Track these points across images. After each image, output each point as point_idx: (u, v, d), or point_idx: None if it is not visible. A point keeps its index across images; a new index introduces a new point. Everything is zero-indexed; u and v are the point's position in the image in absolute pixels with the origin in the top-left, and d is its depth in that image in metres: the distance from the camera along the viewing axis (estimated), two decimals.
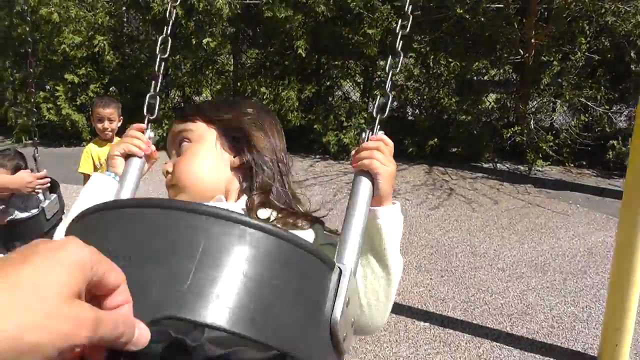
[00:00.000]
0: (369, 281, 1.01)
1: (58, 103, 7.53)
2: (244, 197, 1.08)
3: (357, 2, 7.06)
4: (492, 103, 7.76)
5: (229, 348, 0.78)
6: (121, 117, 3.68)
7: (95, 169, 3.58)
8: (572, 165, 7.36)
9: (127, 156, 1.11)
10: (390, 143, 1.03)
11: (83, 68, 7.61)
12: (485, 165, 7.43)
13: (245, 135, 1.11)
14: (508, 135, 7.09)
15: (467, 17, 7.11)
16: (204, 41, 7.17)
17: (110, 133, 3.64)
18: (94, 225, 0.63)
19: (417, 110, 7.95)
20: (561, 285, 4.18)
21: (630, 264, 2.95)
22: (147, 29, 7.73)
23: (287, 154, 1.18)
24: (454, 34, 7.53)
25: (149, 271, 0.56)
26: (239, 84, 7.70)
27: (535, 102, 7.51)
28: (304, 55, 7.17)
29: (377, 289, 1.01)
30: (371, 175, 0.96)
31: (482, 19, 7.18)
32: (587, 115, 7.26)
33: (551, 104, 7.55)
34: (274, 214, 1.06)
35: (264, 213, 1.05)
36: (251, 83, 7.43)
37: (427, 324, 3.56)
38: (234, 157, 1.11)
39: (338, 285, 0.66)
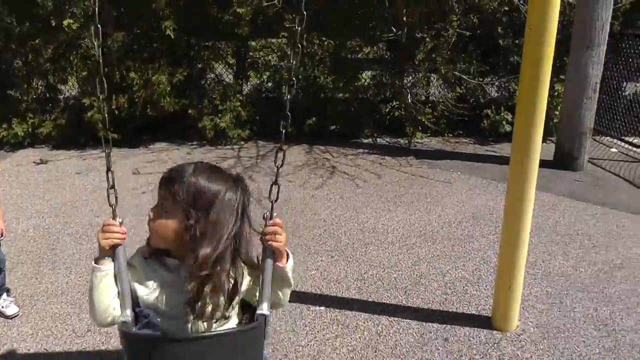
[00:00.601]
0: (285, 297, 1.73)
1: None
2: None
3: None
4: (369, 80, 7.76)
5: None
6: None
7: None
8: (450, 135, 7.53)
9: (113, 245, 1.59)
10: (280, 222, 1.65)
11: None
12: (366, 141, 7.42)
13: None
14: (386, 110, 7.11)
15: None
16: (65, 22, 6.48)
17: None
18: None
19: (293, 91, 7.77)
20: (450, 252, 4.19)
21: (519, 225, 2.95)
22: None
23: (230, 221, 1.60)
24: (326, 12, 7.40)
25: None
26: (106, 69, 7.11)
27: (411, 77, 7.59)
28: (172, 36, 6.73)
29: (287, 296, 1.75)
30: (273, 248, 1.64)
31: None
32: (461, 87, 7.45)
33: (426, 78, 7.65)
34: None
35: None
36: (119, 68, 6.86)
37: (322, 307, 3.40)
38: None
39: (265, 328, 1.63)
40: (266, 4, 6.93)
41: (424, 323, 3.22)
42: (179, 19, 6.84)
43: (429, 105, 7.52)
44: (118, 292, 1.59)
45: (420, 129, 7.26)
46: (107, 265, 1.58)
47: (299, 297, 3.49)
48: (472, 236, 4.48)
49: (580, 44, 6.03)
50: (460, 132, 7.64)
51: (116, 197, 1.59)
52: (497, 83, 7.85)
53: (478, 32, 7.35)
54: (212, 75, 7.60)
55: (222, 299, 1.56)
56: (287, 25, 7.21)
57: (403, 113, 7.21)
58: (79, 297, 3.52)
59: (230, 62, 7.55)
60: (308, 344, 3.02)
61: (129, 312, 1.58)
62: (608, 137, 7.61)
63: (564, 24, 6.97)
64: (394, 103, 7.17)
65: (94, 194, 5.41)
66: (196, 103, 7.09)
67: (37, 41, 6.87)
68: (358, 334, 3.12)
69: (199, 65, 7.33)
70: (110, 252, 1.58)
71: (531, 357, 2.93)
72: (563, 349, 3.00)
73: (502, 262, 3.11)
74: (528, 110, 2.77)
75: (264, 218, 1.63)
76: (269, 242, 1.62)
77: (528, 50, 2.73)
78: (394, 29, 7.31)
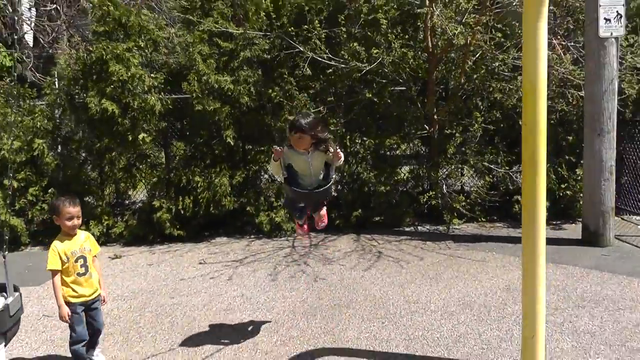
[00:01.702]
0: (338, 166, 4.57)
1: None
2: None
3: (277, 92, 7.75)
4: (407, 174, 8.51)
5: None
6: None
7: (63, 263, 3.87)
8: (484, 220, 8.12)
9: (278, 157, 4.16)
10: (339, 151, 4.17)
11: (22, 172, 7.70)
12: (408, 229, 8.06)
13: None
14: (424, 200, 7.80)
15: (376, 100, 7.94)
16: (140, 137, 7.55)
17: (76, 229, 3.98)
18: None
19: (339, 186, 8.56)
20: (487, 317, 4.73)
21: (534, 281, 3.52)
22: (82, 129, 8.04)
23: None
24: (365, 115, 8.32)
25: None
26: (172, 174, 8.07)
27: (445, 169, 8.31)
28: (232, 143, 7.69)
29: (339, 165, 4.51)
30: (338, 157, 4.17)
31: (389, 101, 8.03)
32: (491, 176, 8.13)
33: (459, 169, 8.37)
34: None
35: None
36: (185, 173, 7.81)
37: None
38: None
39: (331, 184, 4.34)
40: (313, 110, 7.88)
41: None
42: (237, 128, 7.84)
43: (464, 194, 8.19)
44: (280, 167, 4.15)
45: (456, 215, 7.90)
46: (276, 160, 4.08)
47: (353, 352, 4.09)
48: (505, 303, 5.02)
49: (591, 132, 6.76)
50: (494, 217, 8.24)
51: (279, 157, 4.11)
52: None
53: (502, 125, 8.13)
54: (267, 176, 8.45)
55: (321, 164, 4.18)
56: (332, 129, 8.11)
57: (440, 202, 7.89)
58: (167, 357, 4.21)
59: None
60: None
61: (285, 172, 4.16)
62: (637, 216, 8.09)
63: (579, 115, 7.72)
64: (431, 193, 7.86)
65: (167, 280, 6.16)
66: (253, 201, 7.93)
67: (113, 154, 7.89)
68: None
69: (255, 168, 8.21)
70: (277, 158, 4.06)
71: None
72: None
73: (525, 314, 3.65)
74: (530, 194, 3.45)
75: (331, 147, 4.08)
76: (336, 151, 4.10)
77: (525, 143, 3.42)
78: (427, 127, 8.14)
